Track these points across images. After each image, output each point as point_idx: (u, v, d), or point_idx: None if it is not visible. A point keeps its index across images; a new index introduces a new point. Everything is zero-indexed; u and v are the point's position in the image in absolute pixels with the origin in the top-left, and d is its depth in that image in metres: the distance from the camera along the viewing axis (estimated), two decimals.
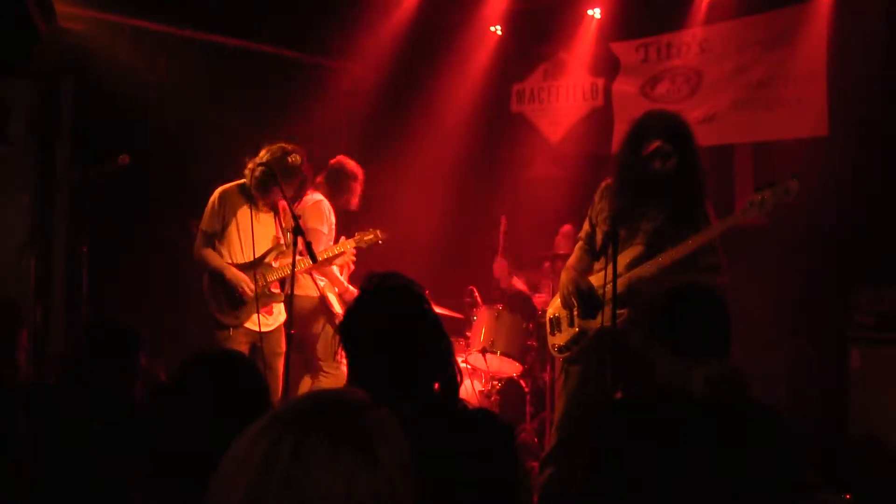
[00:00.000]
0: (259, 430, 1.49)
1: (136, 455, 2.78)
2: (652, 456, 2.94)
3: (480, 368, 7.44)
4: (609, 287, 4.62)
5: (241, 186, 6.43)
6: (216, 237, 6.42)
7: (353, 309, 2.75)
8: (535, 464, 7.35)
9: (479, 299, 7.91)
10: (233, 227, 6.41)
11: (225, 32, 8.93)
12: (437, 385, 2.68)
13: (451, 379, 2.69)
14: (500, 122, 9.67)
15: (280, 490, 1.40)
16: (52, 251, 7.81)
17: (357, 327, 2.70)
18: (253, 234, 6.37)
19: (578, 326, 5.17)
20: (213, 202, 6.44)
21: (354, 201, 7.27)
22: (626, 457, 2.99)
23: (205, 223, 6.46)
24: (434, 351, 2.69)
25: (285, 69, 9.47)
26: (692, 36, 8.31)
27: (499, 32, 9.58)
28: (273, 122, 8.88)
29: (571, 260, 5.43)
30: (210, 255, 6.41)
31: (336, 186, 7.21)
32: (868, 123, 7.13)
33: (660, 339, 3.26)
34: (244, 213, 6.40)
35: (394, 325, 2.66)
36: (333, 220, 7.08)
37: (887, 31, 7.07)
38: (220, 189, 6.49)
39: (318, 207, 7.02)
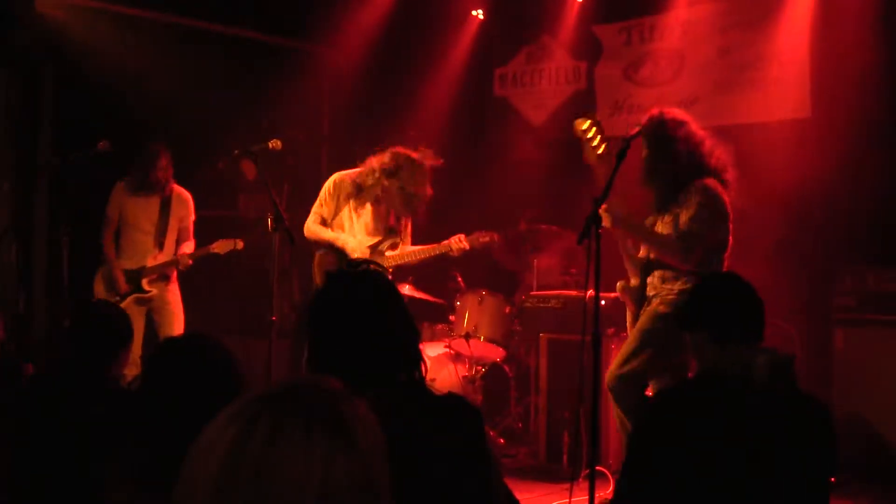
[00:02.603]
0: (232, 412, 1.45)
1: (116, 439, 2.76)
2: (714, 443, 2.91)
3: (464, 354, 7.42)
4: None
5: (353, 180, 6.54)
6: (325, 222, 6.55)
7: (319, 295, 2.74)
8: (524, 448, 7.39)
9: (462, 284, 7.89)
10: (343, 215, 6.48)
11: (205, 18, 8.88)
12: (402, 371, 2.67)
13: (417, 365, 2.68)
14: (483, 105, 9.65)
15: (252, 473, 1.37)
16: (34, 238, 7.78)
17: (322, 313, 2.69)
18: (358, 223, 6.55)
19: None
20: (329, 188, 6.55)
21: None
22: (684, 443, 2.96)
23: (319, 208, 6.57)
24: (400, 337, 2.68)
25: (267, 54, 9.43)
26: (675, 18, 8.30)
27: (481, 16, 9.55)
28: (255, 107, 8.85)
29: None
30: (325, 231, 6.51)
31: None
32: (851, 105, 7.12)
33: (708, 326, 3.30)
34: (349, 206, 6.54)
35: (359, 310, 2.65)
36: None
37: (870, 11, 7.06)
38: (337, 176, 6.60)
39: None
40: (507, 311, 7.50)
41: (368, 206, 6.54)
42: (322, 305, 2.71)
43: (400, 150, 6.55)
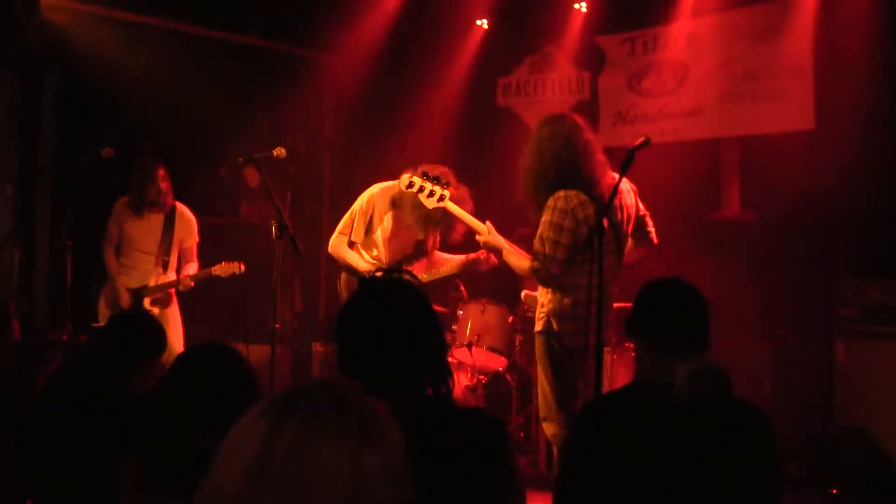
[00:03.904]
0: (262, 408, 1.49)
1: (131, 443, 2.77)
2: (629, 452, 2.95)
3: (466, 363, 7.42)
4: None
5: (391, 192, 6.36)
6: (353, 244, 6.41)
7: (349, 302, 2.72)
8: (524, 458, 7.38)
9: (464, 293, 7.88)
10: (378, 234, 6.39)
11: (208, 24, 8.90)
12: (429, 382, 2.65)
13: (443, 377, 2.66)
14: (487, 115, 9.63)
15: (284, 465, 1.40)
16: (35, 242, 7.78)
17: (352, 321, 2.67)
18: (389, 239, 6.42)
19: None
20: (362, 206, 6.37)
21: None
22: (602, 452, 3.00)
23: (347, 228, 6.38)
24: (427, 348, 2.66)
25: (270, 61, 9.45)
26: (679, 29, 8.30)
27: (485, 26, 9.55)
28: (258, 114, 8.85)
29: None
30: (350, 254, 6.35)
31: None
32: (855, 117, 7.12)
33: (640, 334, 3.24)
34: (391, 217, 6.39)
35: (389, 319, 2.62)
36: None
37: (873, 23, 7.07)
38: (370, 194, 6.41)
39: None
40: (510, 320, 7.50)
41: (400, 221, 6.40)
42: (352, 313, 2.69)
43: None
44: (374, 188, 6.44)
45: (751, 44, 7.85)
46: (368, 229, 6.36)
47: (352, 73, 9.76)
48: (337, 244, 6.41)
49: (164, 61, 8.37)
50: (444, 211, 5.98)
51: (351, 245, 6.38)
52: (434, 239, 6.52)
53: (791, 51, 7.58)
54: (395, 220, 6.34)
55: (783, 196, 7.44)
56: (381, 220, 6.36)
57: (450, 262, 6.49)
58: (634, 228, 5.50)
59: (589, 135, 5.33)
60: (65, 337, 6.80)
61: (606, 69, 8.84)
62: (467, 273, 6.56)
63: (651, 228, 5.60)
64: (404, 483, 1.47)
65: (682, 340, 3.15)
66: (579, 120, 5.39)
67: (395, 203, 6.30)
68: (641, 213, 5.55)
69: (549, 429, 5.29)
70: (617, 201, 5.23)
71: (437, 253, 6.59)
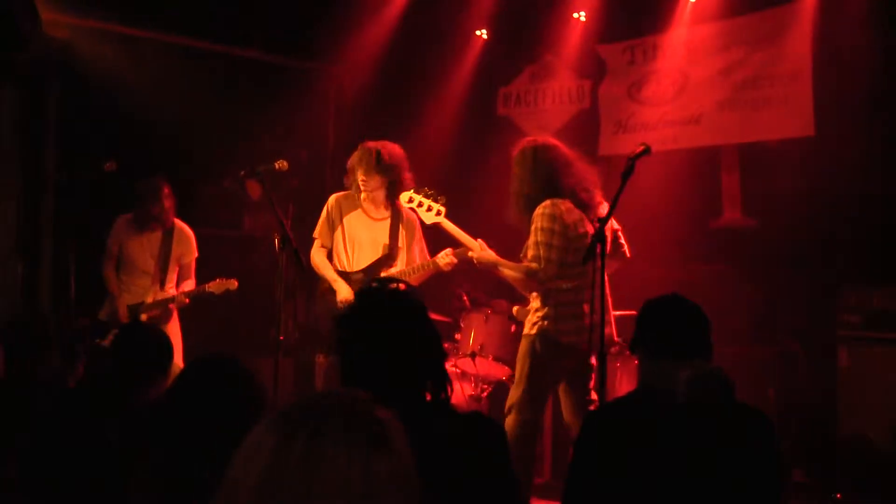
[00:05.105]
0: (272, 420, 1.51)
1: (140, 455, 2.78)
2: (630, 456, 3.00)
3: (470, 372, 7.42)
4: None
5: (350, 197, 6.63)
6: (327, 244, 6.58)
7: (349, 311, 2.75)
8: None
9: (467, 303, 7.89)
10: (339, 234, 6.53)
11: (210, 37, 8.92)
12: (428, 389, 2.68)
13: (442, 384, 2.68)
14: (487, 125, 9.64)
15: (296, 474, 1.42)
16: (39, 255, 7.79)
17: (353, 329, 2.69)
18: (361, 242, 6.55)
19: None
20: (326, 208, 6.60)
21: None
22: (604, 457, 3.05)
23: (317, 232, 6.60)
24: (428, 356, 2.69)
25: (272, 73, 9.46)
26: (678, 37, 8.31)
27: (484, 36, 9.58)
28: (259, 126, 8.86)
29: None
30: (327, 269, 6.52)
31: None
32: (855, 124, 7.13)
33: (642, 343, 3.37)
34: (353, 218, 6.55)
35: (389, 328, 2.66)
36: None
37: (871, 30, 7.08)
38: (332, 197, 6.65)
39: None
40: (513, 329, 7.50)
41: (364, 229, 6.53)
42: (350, 323, 2.72)
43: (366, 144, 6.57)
44: (334, 195, 6.68)
45: (750, 51, 7.87)
46: (332, 229, 6.54)
47: (353, 84, 9.78)
48: (315, 256, 6.59)
49: (166, 75, 8.39)
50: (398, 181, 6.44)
51: (328, 253, 6.57)
52: (406, 248, 6.63)
53: (790, 57, 7.60)
54: (352, 230, 6.53)
55: (784, 203, 7.45)
56: (341, 223, 6.55)
57: (411, 269, 6.57)
58: (611, 242, 5.80)
59: (564, 150, 5.83)
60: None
61: (606, 78, 8.85)
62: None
63: (623, 242, 5.98)
64: (413, 489, 1.49)
65: (684, 349, 3.25)
66: (553, 140, 5.93)
67: (350, 200, 6.56)
68: (615, 228, 5.91)
69: (509, 422, 5.69)
70: (595, 215, 5.66)
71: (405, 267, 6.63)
